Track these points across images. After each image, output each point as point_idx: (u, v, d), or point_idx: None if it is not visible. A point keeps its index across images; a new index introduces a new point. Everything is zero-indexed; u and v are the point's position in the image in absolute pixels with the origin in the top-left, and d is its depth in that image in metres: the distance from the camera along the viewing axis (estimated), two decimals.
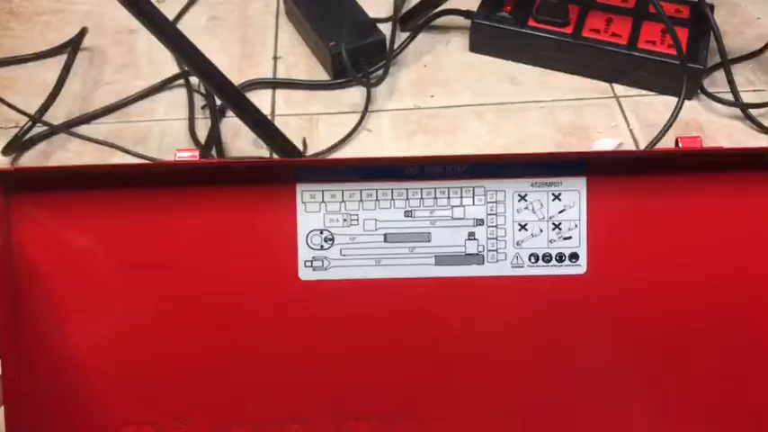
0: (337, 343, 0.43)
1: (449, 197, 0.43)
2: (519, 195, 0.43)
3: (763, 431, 0.44)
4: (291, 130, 0.74)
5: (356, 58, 0.77)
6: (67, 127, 0.74)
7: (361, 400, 0.44)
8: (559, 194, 0.43)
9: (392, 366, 0.43)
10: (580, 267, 0.43)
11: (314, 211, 0.43)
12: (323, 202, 0.43)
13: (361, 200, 0.43)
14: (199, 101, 0.77)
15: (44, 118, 0.74)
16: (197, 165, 0.41)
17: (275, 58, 0.83)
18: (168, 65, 0.81)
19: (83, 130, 0.75)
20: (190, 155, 0.42)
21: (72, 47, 0.83)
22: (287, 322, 0.43)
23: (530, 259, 0.43)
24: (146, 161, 0.68)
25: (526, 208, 0.43)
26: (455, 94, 0.78)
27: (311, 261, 0.43)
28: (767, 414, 0.44)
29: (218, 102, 0.75)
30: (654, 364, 0.43)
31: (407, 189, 0.43)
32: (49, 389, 0.43)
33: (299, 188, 0.42)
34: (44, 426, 0.43)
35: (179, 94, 0.79)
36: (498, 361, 0.43)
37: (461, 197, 0.43)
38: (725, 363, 0.44)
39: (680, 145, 0.41)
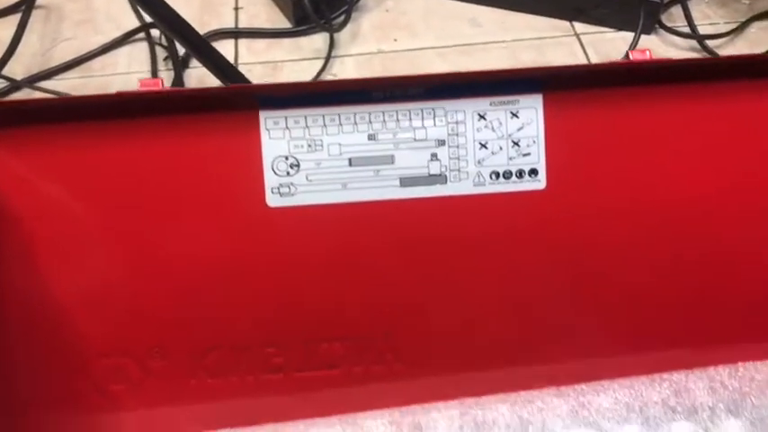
0: (307, 267, 0.44)
1: (410, 119, 0.44)
2: (478, 115, 0.44)
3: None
4: (255, 78, 0.74)
5: (317, 3, 0.77)
6: (29, 83, 0.73)
7: (334, 321, 0.45)
8: (517, 112, 0.44)
9: (362, 288, 0.45)
10: (540, 183, 0.44)
11: (278, 137, 0.43)
12: (287, 128, 0.43)
13: (324, 125, 0.43)
14: (161, 53, 0.77)
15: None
16: (160, 94, 0.42)
17: (236, 8, 0.82)
18: (127, 19, 0.80)
19: (44, 86, 0.74)
20: (153, 84, 0.42)
21: (27, 4, 0.81)
22: (257, 249, 0.44)
23: (491, 177, 0.44)
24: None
25: (486, 127, 0.44)
26: (418, 37, 0.78)
27: (278, 188, 0.43)
28: (716, 336, 0.46)
29: (181, 53, 0.75)
30: (612, 273, 0.45)
31: (370, 113, 0.43)
32: (23, 325, 0.43)
33: (263, 115, 0.43)
34: (21, 361, 0.43)
35: (140, 48, 0.78)
36: (463, 277, 0.45)
37: (423, 119, 0.44)
38: (684, 271, 0.46)
39: (630, 57, 0.43)
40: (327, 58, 0.75)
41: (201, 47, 0.66)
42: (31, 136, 0.42)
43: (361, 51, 0.77)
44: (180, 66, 0.75)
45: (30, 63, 0.76)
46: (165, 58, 0.76)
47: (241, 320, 0.44)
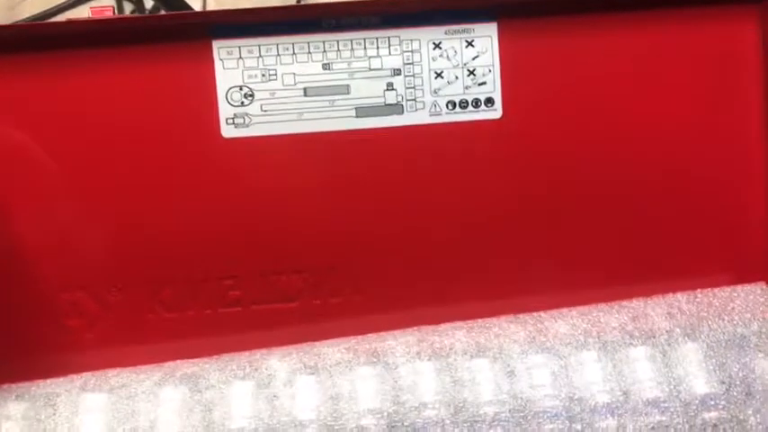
0: (263, 199, 0.44)
1: (365, 48, 0.43)
2: (434, 44, 0.43)
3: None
4: None
5: None
6: None
7: (291, 254, 0.45)
8: (472, 41, 0.44)
9: (319, 219, 0.44)
10: (496, 112, 0.44)
11: (232, 67, 0.43)
12: (240, 57, 0.43)
13: (278, 54, 0.43)
14: (128, 7, 0.76)
15: None
16: (112, 21, 0.41)
17: None
18: None
19: None
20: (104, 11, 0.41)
21: None
22: (213, 180, 0.43)
23: (447, 106, 0.44)
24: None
25: (441, 56, 0.44)
26: None
27: (233, 118, 0.43)
28: (676, 268, 0.46)
29: (148, 6, 0.74)
30: (568, 202, 0.45)
31: (324, 41, 0.43)
32: None
33: (216, 44, 0.42)
34: None
35: (107, 2, 0.77)
36: (420, 207, 0.44)
37: (378, 48, 0.43)
38: (642, 201, 0.45)
39: None
40: None
41: None
42: None
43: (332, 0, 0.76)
44: None
45: None
46: (132, 11, 0.75)
47: (197, 253, 0.44)
